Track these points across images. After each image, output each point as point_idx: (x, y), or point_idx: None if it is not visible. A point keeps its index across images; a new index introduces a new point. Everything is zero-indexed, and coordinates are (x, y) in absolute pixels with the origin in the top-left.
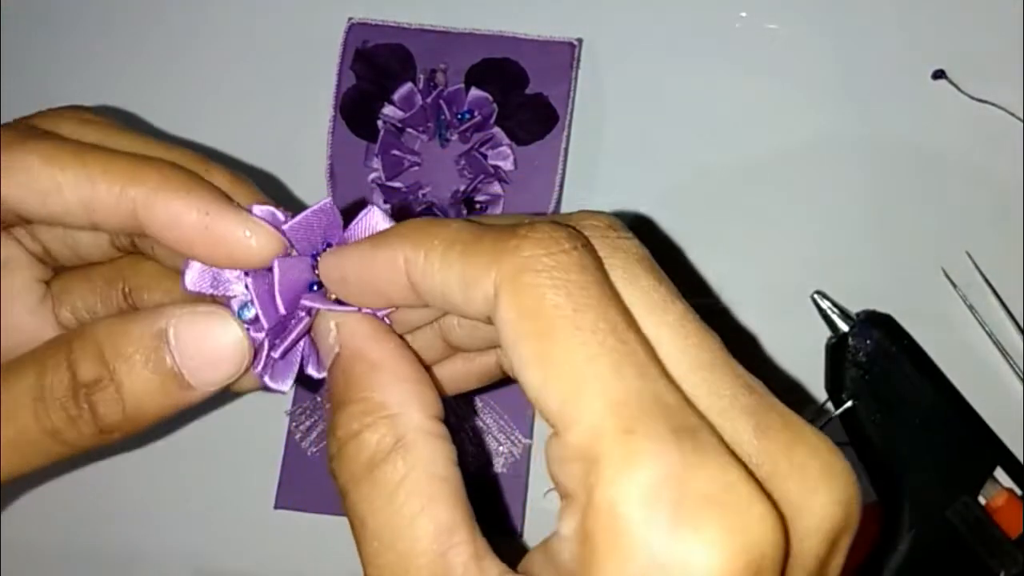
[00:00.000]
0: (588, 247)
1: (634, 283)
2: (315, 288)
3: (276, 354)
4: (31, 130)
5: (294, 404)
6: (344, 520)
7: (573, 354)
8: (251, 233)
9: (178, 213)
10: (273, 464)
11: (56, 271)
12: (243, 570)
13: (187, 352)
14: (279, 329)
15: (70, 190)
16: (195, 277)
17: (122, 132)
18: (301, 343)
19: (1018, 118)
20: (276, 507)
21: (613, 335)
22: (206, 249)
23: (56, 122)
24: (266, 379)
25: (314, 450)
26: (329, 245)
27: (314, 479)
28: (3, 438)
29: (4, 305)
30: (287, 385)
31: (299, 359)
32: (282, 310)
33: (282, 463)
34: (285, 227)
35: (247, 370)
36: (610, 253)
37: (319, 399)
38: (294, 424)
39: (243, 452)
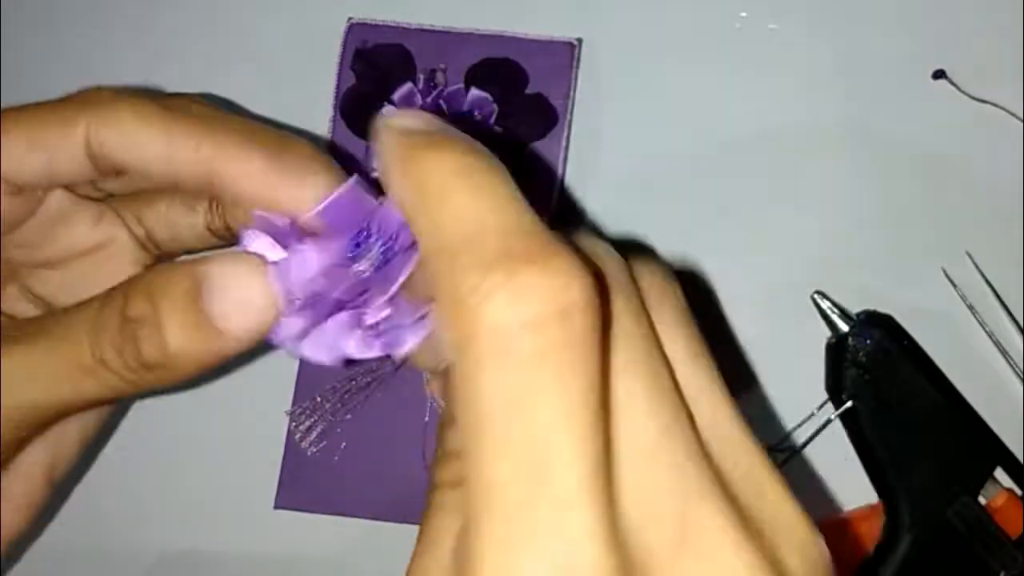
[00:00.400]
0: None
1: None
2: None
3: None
4: (123, 89)
5: (294, 404)
6: (344, 520)
7: None
8: (311, 179)
9: (246, 162)
10: (273, 464)
11: (157, 260)
12: (243, 570)
13: (218, 297)
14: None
15: (154, 144)
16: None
17: (202, 104)
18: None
19: (1018, 118)
20: (276, 507)
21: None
22: (267, 192)
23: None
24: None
25: (314, 450)
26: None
27: (314, 479)
28: (61, 361)
29: (102, 287)
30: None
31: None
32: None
33: (282, 463)
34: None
35: (276, 319)
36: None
37: (319, 399)
38: (294, 424)
39: (243, 452)
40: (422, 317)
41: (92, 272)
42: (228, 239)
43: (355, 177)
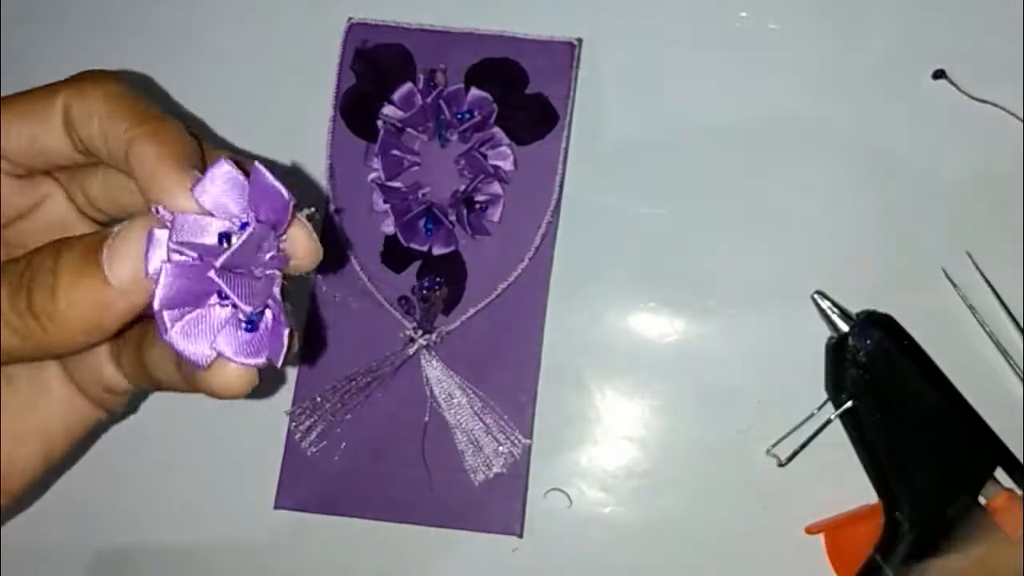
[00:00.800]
0: None
1: None
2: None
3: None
4: (110, 74)
5: (294, 404)
6: (344, 520)
7: None
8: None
9: (147, 152)
10: (273, 464)
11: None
12: (243, 570)
13: (109, 250)
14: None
15: (98, 120)
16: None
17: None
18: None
19: (1018, 118)
20: (276, 507)
21: None
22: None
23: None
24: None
25: (314, 450)
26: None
27: (314, 479)
28: None
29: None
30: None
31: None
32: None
33: (282, 463)
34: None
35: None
36: None
37: (319, 399)
38: (294, 424)
39: (243, 452)
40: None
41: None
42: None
43: (221, 160)
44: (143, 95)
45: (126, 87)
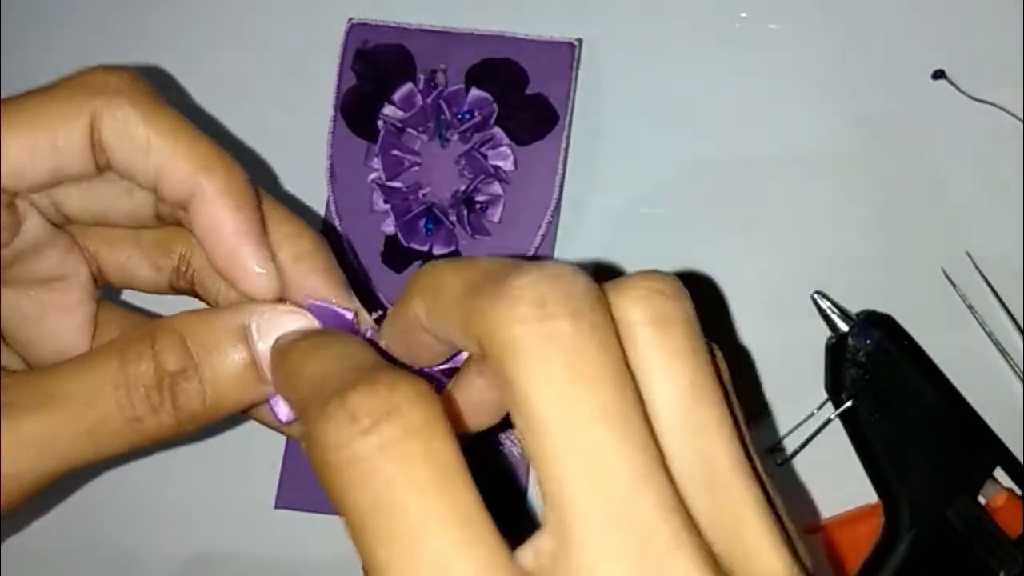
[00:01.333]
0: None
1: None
2: None
3: None
4: (124, 74)
5: None
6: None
7: None
8: (262, 270)
9: (222, 221)
10: (273, 464)
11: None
12: (243, 570)
13: (266, 336)
14: None
15: (156, 153)
16: None
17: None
18: None
19: (1018, 118)
20: (276, 507)
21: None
22: (219, 263)
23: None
24: None
25: None
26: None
27: (314, 479)
28: (84, 426)
29: (55, 319)
30: None
31: None
32: None
33: (282, 463)
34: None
35: None
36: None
37: None
38: None
39: (243, 452)
40: None
41: (49, 303)
42: (189, 292)
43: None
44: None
45: (162, 101)
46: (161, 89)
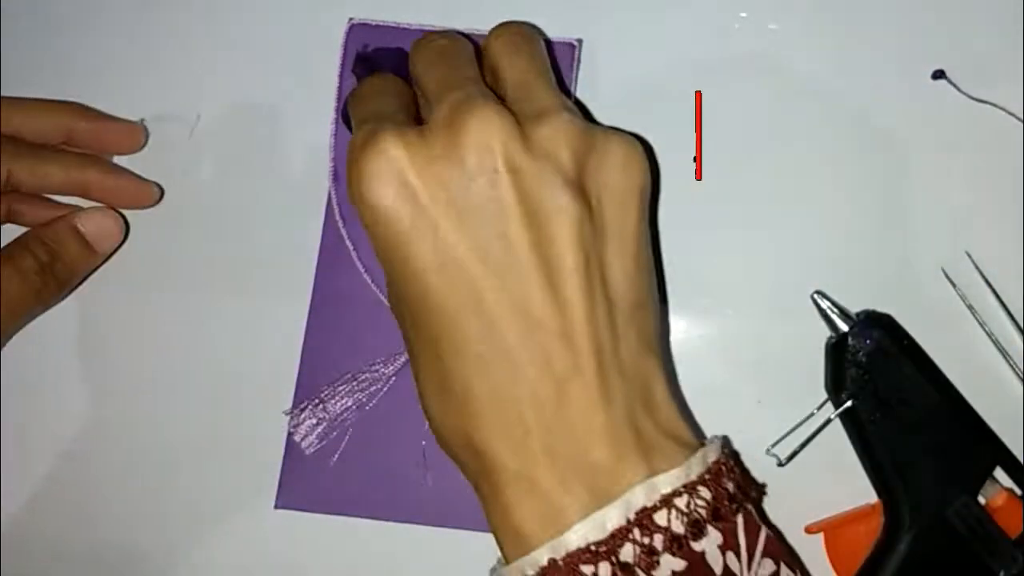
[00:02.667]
0: None
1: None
2: None
3: None
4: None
5: (294, 404)
6: (344, 520)
7: None
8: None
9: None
10: (273, 464)
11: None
12: (243, 570)
13: (91, 232)
14: None
15: None
16: None
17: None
18: None
19: (1018, 118)
20: (276, 507)
21: None
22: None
23: None
24: None
25: (314, 450)
26: None
27: (314, 479)
28: (4, 298)
29: None
30: None
31: None
32: None
33: (282, 463)
34: None
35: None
36: None
37: (319, 398)
38: (294, 424)
39: (243, 452)
40: None
41: None
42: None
43: None
44: None
45: None
46: (161, 89)
